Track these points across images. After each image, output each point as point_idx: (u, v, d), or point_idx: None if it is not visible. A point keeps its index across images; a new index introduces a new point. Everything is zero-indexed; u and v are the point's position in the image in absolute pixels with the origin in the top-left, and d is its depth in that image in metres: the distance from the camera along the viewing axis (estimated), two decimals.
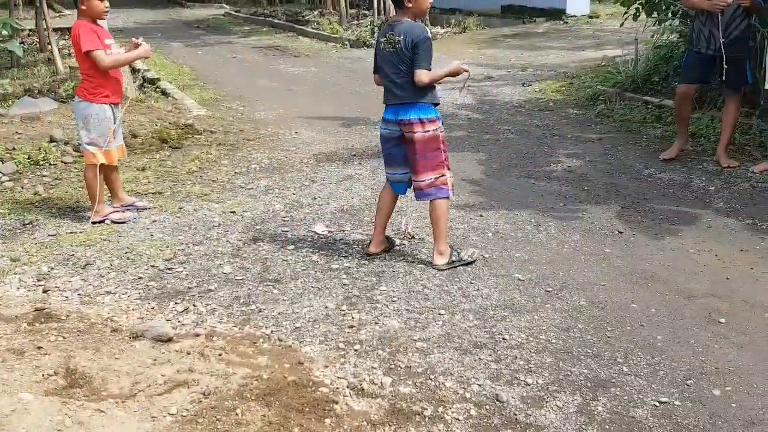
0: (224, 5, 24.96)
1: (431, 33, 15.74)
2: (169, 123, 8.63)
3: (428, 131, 4.72)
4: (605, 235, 5.44)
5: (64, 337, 3.86)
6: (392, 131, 4.85)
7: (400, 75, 4.66)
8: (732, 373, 3.59)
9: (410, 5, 4.58)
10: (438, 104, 4.88)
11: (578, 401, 3.38)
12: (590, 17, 17.12)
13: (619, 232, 5.48)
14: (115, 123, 5.72)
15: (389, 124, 4.85)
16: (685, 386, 3.49)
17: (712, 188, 6.37)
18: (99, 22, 5.75)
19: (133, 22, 20.23)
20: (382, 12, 16.77)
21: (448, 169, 4.86)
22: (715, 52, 6.55)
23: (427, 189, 4.83)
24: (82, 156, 5.97)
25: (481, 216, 5.78)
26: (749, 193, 6.23)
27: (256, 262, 5.02)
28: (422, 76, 4.54)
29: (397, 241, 5.28)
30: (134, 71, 10.50)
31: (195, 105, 9.85)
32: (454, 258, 4.86)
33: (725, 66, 6.48)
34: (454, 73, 4.81)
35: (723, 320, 4.12)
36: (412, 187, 4.97)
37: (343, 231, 5.60)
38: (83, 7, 5.48)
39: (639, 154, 7.46)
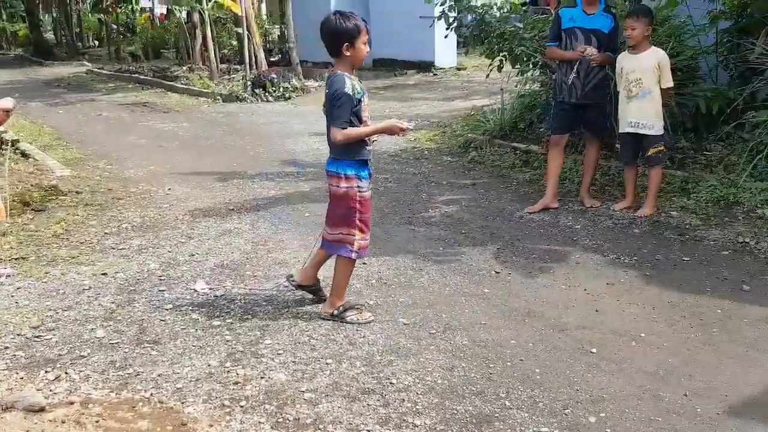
0: (86, 63, 24.61)
1: (305, 86, 16.05)
2: (31, 185, 8.32)
3: (341, 188, 4.71)
4: (483, 275, 5.64)
5: None
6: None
7: (329, 128, 4.66)
8: (605, 400, 3.80)
9: (348, 54, 4.55)
10: (365, 161, 4.77)
11: None
12: (458, 69, 17.89)
13: (496, 272, 5.69)
14: None
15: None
16: (563, 415, 3.66)
17: (578, 227, 6.72)
18: None
19: None
20: (254, 66, 16.92)
21: (362, 231, 4.79)
22: (577, 100, 6.98)
23: (331, 242, 4.83)
24: None
25: (364, 263, 5.84)
26: (612, 230, 6.65)
27: (131, 325, 4.89)
28: (335, 133, 4.50)
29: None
30: None
31: (58, 165, 9.55)
32: (335, 313, 4.86)
33: (586, 112, 7.01)
34: (389, 131, 4.79)
35: (594, 350, 4.35)
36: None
37: (224, 287, 5.53)
38: None
39: (510, 198, 7.80)
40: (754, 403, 3.77)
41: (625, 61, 6.83)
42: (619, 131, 7.05)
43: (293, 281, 5.12)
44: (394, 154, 10.09)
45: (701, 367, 4.15)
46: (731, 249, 6.03)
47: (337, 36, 4.53)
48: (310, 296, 5.20)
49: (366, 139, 4.69)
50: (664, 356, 4.28)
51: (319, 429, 3.59)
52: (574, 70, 6.92)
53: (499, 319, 4.82)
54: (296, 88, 15.99)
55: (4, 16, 35.34)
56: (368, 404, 3.83)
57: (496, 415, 3.67)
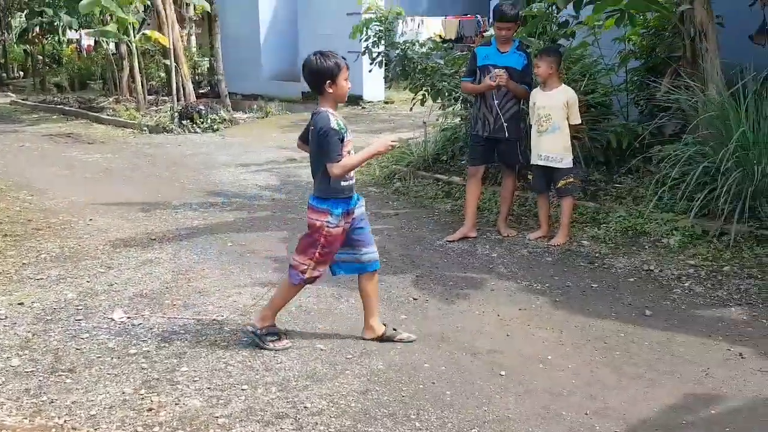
0: (10, 93, 24.28)
1: (233, 117, 16.16)
2: None
3: (311, 219, 4.83)
4: (401, 302, 5.84)
5: None
6: None
7: (312, 163, 4.86)
8: (510, 420, 3.99)
9: (330, 91, 4.68)
10: (340, 198, 4.84)
11: None
12: (385, 103, 18.23)
13: (414, 299, 5.90)
14: None
15: None
16: None
17: (495, 255, 7.00)
18: None
19: None
20: (182, 98, 16.92)
21: (317, 263, 4.87)
22: (491, 133, 7.28)
23: (291, 265, 4.96)
24: None
25: None
26: (527, 258, 6.98)
27: (47, 353, 4.92)
28: (332, 168, 4.59)
29: None
30: None
31: None
32: (258, 332, 4.95)
33: (499, 145, 7.36)
34: (380, 153, 5.09)
35: (503, 372, 4.55)
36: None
37: (143, 316, 5.58)
38: None
39: (431, 228, 8.04)
40: (650, 422, 3.99)
41: (536, 96, 7.21)
42: (531, 163, 7.37)
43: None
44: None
45: (603, 387, 4.38)
46: (636, 276, 6.37)
47: (319, 74, 4.68)
48: (228, 326, 5.34)
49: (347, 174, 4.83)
50: (568, 378, 4.50)
51: None
52: (488, 105, 7.26)
53: (415, 344, 4.99)
54: (224, 119, 16.02)
55: None
56: (281, 428, 3.93)
57: None
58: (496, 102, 7.18)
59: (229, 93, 17.96)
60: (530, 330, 5.28)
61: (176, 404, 4.21)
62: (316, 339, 5.11)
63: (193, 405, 4.20)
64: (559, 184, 7.15)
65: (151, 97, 19.00)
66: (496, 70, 7.04)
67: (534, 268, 6.65)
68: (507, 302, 5.84)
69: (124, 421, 4.02)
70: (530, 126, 7.40)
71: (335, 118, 4.69)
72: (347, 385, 4.41)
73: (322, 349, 4.92)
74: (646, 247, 7.02)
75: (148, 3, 17.80)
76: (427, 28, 17.69)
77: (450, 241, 7.42)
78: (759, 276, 6.19)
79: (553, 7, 9.07)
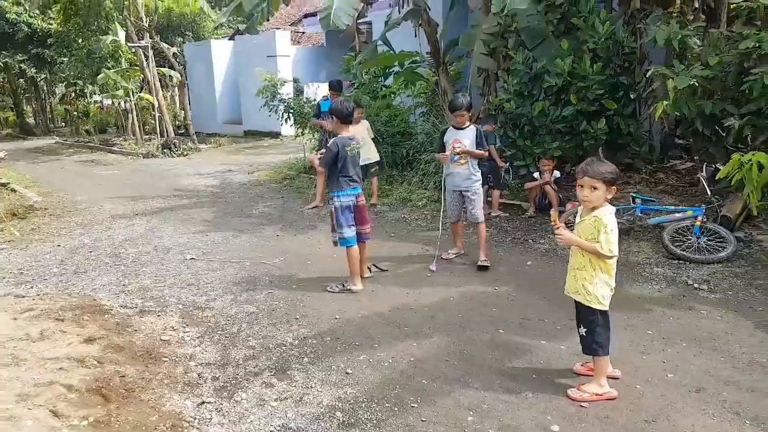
0: (55, 137, 24.41)
1: (198, 147, 16.92)
2: (18, 205, 9.38)
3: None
4: (270, 237, 7.29)
5: None
6: None
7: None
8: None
9: (345, 123, 5.23)
10: (337, 191, 5.21)
11: None
12: (295, 137, 18.88)
13: (277, 236, 7.35)
14: None
15: None
16: None
17: (322, 213, 8.47)
18: None
19: None
20: (165, 135, 17.61)
21: (338, 228, 5.26)
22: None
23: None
24: None
25: (206, 236, 7.40)
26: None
27: (73, 266, 6.32)
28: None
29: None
30: None
31: (35, 195, 10.43)
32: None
33: None
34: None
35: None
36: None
37: (128, 248, 6.98)
38: None
39: (301, 203, 9.35)
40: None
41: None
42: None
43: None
44: (244, 183, 11.38)
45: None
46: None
47: (343, 113, 5.17)
48: (172, 252, 6.78)
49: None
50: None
51: None
52: (327, 133, 8.29)
53: (270, 256, 6.53)
54: (191, 148, 16.82)
55: None
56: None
57: None
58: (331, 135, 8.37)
59: (196, 132, 18.65)
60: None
61: (137, 284, 5.72)
62: (215, 257, 6.62)
63: (145, 283, 5.71)
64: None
65: (147, 135, 19.55)
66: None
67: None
68: (321, 233, 7.39)
69: (115, 293, 5.51)
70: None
71: (344, 140, 5.17)
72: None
73: (213, 262, 6.44)
74: (407, 206, 8.58)
75: (143, 76, 18.52)
76: (322, 90, 18.41)
77: (302, 209, 8.73)
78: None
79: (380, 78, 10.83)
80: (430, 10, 9.45)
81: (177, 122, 20.33)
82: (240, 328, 4.60)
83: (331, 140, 5.18)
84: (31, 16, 20.79)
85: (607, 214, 3.27)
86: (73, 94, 28.06)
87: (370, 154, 8.39)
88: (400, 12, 9.63)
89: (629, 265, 5.74)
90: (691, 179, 7.94)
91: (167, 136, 17.32)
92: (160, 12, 22.73)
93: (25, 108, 32.71)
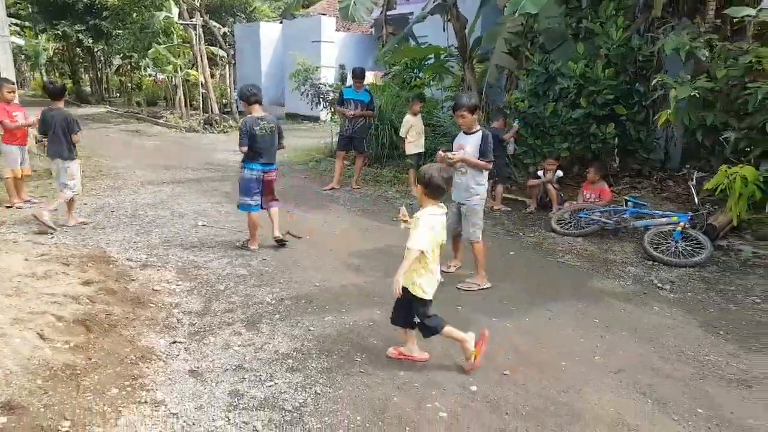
0: (108, 106, 25.69)
1: (238, 125, 17.53)
2: None
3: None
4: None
5: None
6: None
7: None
8: None
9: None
10: (246, 162, 5.95)
11: None
12: (332, 121, 19.58)
13: (288, 211, 7.70)
14: (21, 154, 7.48)
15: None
16: None
17: (342, 195, 8.99)
18: (11, 102, 7.44)
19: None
20: (209, 111, 18.46)
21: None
22: (349, 133, 9.12)
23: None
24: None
25: (222, 207, 7.96)
26: (353, 197, 8.94)
27: (96, 222, 6.98)
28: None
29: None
30: (38, 141, 11.88)
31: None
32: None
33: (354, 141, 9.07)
34: None
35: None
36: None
37: (147, 210, 7.65)
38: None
39: (321, 182, 9.85)
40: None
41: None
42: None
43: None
44: (279, 162, 11.99)
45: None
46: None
47: (244, 95, 5.87)
48: (187, 218, 7.38)
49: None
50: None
51: None
52: (349, 120, 8.94)
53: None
54: (231, 126, 17.52)
55: (57, 75, 36.25)
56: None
57: None
58: (351, 119, 8.92)
59: (239, 111, 19.42)
60: (344, 216, 7.41)
61: (147, 242, 6.34)
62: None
63: (154, 241, 6.33)
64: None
65: (193, 111, 20.48)
66: (349, 112, 8.69)
67: (356, 201, 8.61)
68: (344, 211, 7.92)
69: (125, 248, 6.15)
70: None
71: None
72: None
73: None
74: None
75: (192, 53, 19.39)
76: (366, 78, 18.83)
77: (324, 190, 9.23)
78: None
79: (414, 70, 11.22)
80: (456, 5, 9.75)
81: (224, 100, 21.18)
82: (227, 286, 5.14)
83: (242, 120, 5.87)
84: None
85: (424, 215, 3.60)
86: (128, 66, 29.42)
87: (421, 144, 8.91)
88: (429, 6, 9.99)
89: (605, 263, 6.04)
90: (698, 188, 8.08)
91: (210, 112, 18.15)
92: None
93: (82, 77, 34.44)
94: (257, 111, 5.85)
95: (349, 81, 17.20)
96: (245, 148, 5.80)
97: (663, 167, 8.92)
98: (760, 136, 6.37)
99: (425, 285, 3.66)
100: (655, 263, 5.99)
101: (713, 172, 7.25)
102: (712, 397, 3.54)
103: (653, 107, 8.39)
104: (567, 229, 7.14)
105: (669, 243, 6.16)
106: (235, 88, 21.67)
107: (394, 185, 9.59)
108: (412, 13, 15.18)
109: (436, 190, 3.64)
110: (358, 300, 4.93)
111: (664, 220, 6.49)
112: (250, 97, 5.82)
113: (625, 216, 6.80)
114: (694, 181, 6.72)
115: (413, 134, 8.77)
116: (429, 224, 3.58)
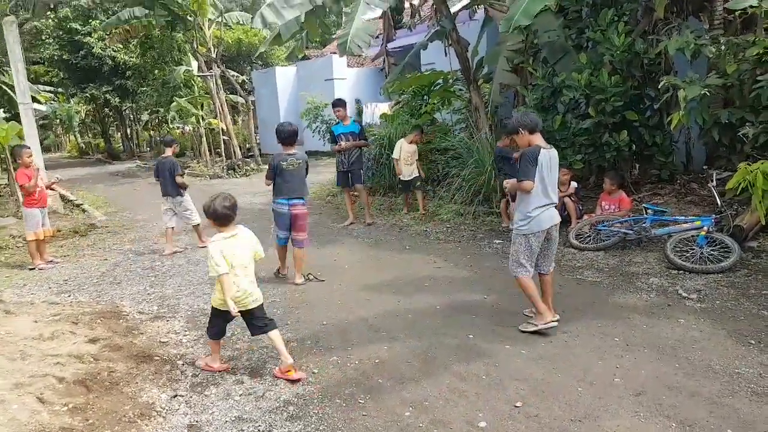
0: (138, 161, 26.27)
1: (261, 168, 17.66)
2: (81, 224, 10.37)
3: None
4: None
5: None
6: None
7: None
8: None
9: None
10: (274, 197, 6.19)
11: None
12: None
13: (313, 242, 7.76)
14: (42, 216, 7.57)
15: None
16: None
17: (360, 228, 8.85)
18: (29, 167, 7.54)
19: (75, 175, 21.36)
20: (231, 157, 18.72)
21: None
22: (345, 168, 8.80)
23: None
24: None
25: None
26: (372, 230, 8.78)
27: (112, 276, 6.99)
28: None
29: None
30: (67, 201, 12.22)
31: (99, 215, 11.43)
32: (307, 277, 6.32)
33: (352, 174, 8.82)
34: None
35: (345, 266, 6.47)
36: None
37: (154, 248, 7.63)
38: (20, 161, 7.42)
39: (338, 216, 9.81)
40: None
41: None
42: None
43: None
44: None
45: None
46: (415, 233, 8.27)
47: (280, 135, 6.10)
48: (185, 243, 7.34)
49: None
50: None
51: None
52: (343, 154, 8.74)
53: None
54: (253, 169, 17.79)
55: (90, 135, 37.52)
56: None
57: None
58: (345, 153, 8.68)
59: (261, 153, 19.66)
60: (356, 248, 7.26)
61: (160, 293, 6.27)
62: None
63: (167, 292, 6.25)
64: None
65: (219, 158, 20.70)
66: (344, 144, 8.52)
67: (370, 233, 8.47)
68: (356, 244, 7.78)
69: (138, 300, 6.09)
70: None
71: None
72: None
73: None
74: (435, 219, 8.79)
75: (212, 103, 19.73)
76: (379, 110, 18.84)
77: (344, 226, 9.05)
78: (474, 228, 8.11)
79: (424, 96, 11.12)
80: (456, 29, 9.66)
81: (247, 144, 21.44)
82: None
83: (272, 156, 6.06)
84: (114, 50, 22.63)
85: (211, 244, 3.92)
86: (156, 121, 30.17)
87: (414, 170, 9.12)
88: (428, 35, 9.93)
89: (627, 276, 5.72)
90: (723, 189, 7.69)
91: (233, 157, 18.38)
92: (231, 42, 24.23)
93: (114, 135, 35.49)
94: (289, 149, 6.11)
95: (371, 114, 17.64)
96: (270, 182, 6.11)
97: (687, 170, 8.54)
98: None
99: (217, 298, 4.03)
100: (681, 272, 5.64)
101: (735, 170, 6.90)
102: (744, 415, 3.21)
103: (666, 110, 8.07)
104: (586, 243, 6.84)
105: (694, 249, 5.81)
106: (256, 132, 22.01)
107: (408, 212, 9.39)
108: (416, 43, 15.19)
109: (223, 219, 3.98)
110: (366, 336, 4.72)
111: (686, 225, 6.14)
112: (278, 135, 6.13)
113: (645, 225, 6.46)
114: (714, 182, 6.35)
115: (406, 157, 9.08)
116: (217, 249, 3.88)
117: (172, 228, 8.13)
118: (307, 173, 6.28)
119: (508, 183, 4.67)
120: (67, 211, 12.44)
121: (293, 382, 3.99)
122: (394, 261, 6.86)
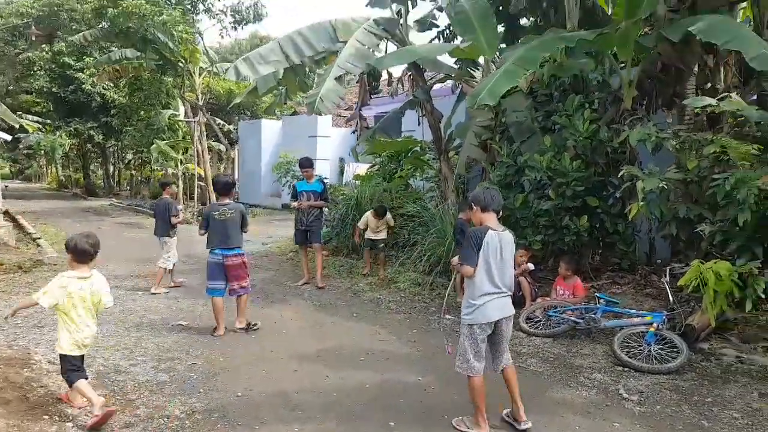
0: (113, 199, 25.83)
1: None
2: (28, 259, 9.90)
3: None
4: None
5: None
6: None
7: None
8: None
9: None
10: (209, 248, 6.18)
11: None
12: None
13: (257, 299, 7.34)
14: None
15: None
16: None
17: (309, 289, 8.49)
18: None
19: (46, 207, 20.91)
20: (207, 202, 18.30)
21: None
22: (304, 226, 8.60)
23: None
24: None
25: (178, 302, 7.47)
26: (321, 292, 8.41)
27: (37, 319, 6.51)
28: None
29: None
30: (26, 233, 11.76)
31: (52, 251, 10.94)
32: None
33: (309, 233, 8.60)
34: None
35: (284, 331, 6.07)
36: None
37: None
38: None
39: (293, 274, 9.36)
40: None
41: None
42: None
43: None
44: (252, 252, 11.34)
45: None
46: (370, 301, 7.92)
47: (216, 186, 6.36)
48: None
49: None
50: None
51: None
52: (302, 212, 8.49)
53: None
54: None
55: (71, 169, 37.15)
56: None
57: None
58: (304, 211, 8.47)
59: (241, 202, 19.24)
60: (302, 311, 6.86)
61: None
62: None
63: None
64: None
65: (196, 203, 20.32)
66: (304, 203, 8.37)
67: (322, 295, 8.12)
68: (304, 307, 7.40)
69: (54, 348, 5.61)
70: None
71: None
72: None
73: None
74: (391, 287, 8.44)
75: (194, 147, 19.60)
76: (360, 170, 18.84)
77: (294, 284, 8.74)
78: (428, 301, 7.77)
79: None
80: (431, 101, 9.65)
81: None
82: (140, 395, 4.57)
83: (205, 206, 5.93)
84: (104, 88, 22.59)
85: (58, 276, 4.06)
86: (139, 161, 29.90)
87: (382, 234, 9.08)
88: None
89: (571, 368, 5.39)
90: (674, 285, 7.48)
91: (208, 202, 17.98)
92: (222, 92, 24.36)
93: (96, 171, 35.13)
94: (224, 199, 6.18)
95: (348, 174, 17.57)
96: (203, 232, 6.13)
97: (649, 261, 8.36)
98: (735, 230, 5.85)
99: (63, 341, 4.05)
100: (626, 369, 5.32)
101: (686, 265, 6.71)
102: None
103: (629, 199, 7.95)
104: (536, 328, 6.53)
105: (642, 346, 5.52)
106: (237, 181, 21.79)
107: (367, 276, 9.05)
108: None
109: (82, 254, 4.03)
110: (279, 414, 4.31)
111: (636, 320, 5.87)
112: (213, 186, 6.46)
113: (595, 315, 6.18)
114: (668, 277, 6.13)
115: (373, 227, 9.04)
116: (59, 283, 3.96)
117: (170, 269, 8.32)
118: (245, 223, 6.22)
119: (454, 262, 4.37)
120: (21, 244, 11.96)
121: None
122: (336, 329, 6.49)
